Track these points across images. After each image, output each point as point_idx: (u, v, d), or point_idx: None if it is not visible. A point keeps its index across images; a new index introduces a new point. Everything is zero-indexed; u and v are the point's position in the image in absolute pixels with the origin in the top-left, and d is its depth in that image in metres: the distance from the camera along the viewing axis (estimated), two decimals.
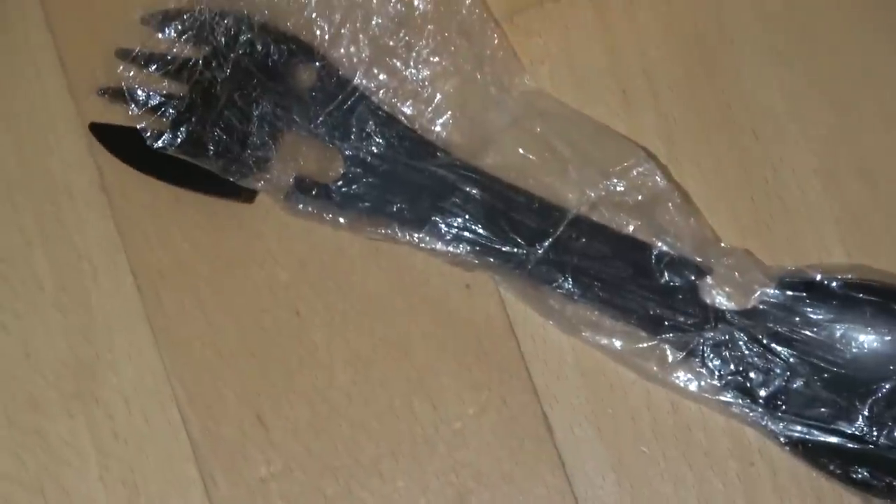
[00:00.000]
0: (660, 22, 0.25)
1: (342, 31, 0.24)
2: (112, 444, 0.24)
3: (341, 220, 0.24)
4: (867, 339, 0.24)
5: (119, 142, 0.25)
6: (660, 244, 0.24)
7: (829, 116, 0.25)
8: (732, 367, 0.24)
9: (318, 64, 0.24)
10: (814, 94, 0.25)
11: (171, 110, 0.24)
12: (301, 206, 0.24)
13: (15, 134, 0.25)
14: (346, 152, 0.24)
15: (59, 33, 0.25)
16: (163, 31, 0.25)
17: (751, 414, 0.24)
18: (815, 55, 0.25)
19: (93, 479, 0.24)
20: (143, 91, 0.24)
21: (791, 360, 0.24)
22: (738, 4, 0.25)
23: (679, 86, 0.25)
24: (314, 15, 0.24)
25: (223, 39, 0.24)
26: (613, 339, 0.24)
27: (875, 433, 0.24)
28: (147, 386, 0.24)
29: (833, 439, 0.24)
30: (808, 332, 0.24)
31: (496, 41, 0.24)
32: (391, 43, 0.24)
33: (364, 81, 0.24)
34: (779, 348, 0.24)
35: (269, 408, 0.24)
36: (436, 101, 0.24)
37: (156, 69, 0.25)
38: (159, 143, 0.24)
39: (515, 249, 0.24)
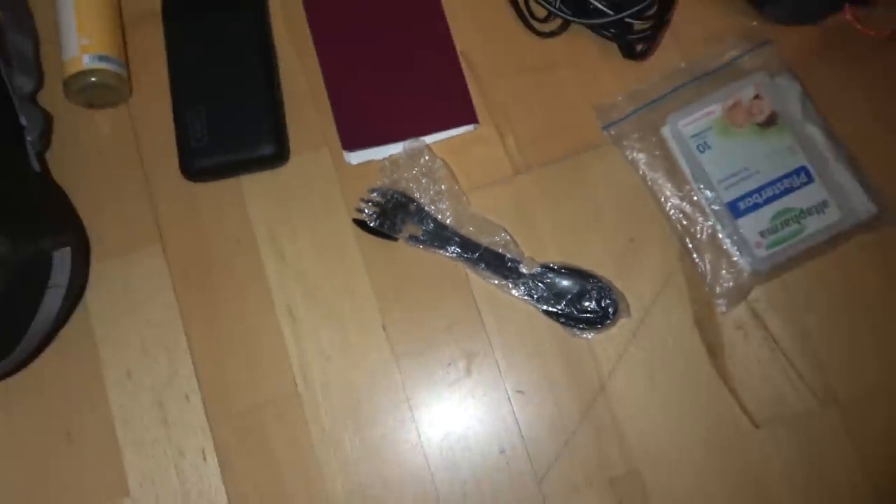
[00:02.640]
0: (507, 195, 0.83)
1: (422, 195, 0.81)
2: None
3: (421, 247, 0.79)
4: (564, 282, 0.77)
5: (361, 224, 0.79)
6: (508, 255, 0.81)
7: None
8: (528, 289, 0.78)
9: (415, 203, 0.79)
10: None
11: (375, 215, 0.81)
12: (410, 243, 0.79)
13: (319, 231, 0.83)
14: (423, 228, 0.80)
15: (345, 197, 0.84)
16: (373, 193, 0.80)
17: (533, 303, 0.75)
18: None
19: None
20: (368, 210, 0.81)
21: (543, 287, 0.78)
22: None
23: (512, 215, 0.82)
24: (415, 191, 0.81)
25: (390, 196, 0.79)
26: (495, 281, 0.77)
27: (566, 309, 0.78)
28: (365, 297, 0.84)
29: (555, 310, 0.76)
30: (548, 279, 0.77)
31: (464, 198, 0.80)
32: (436, 197, 0.82)
33: (429, 208, 0.81)
34: (540, 284, 0.78)
35: (406, 294, 0.85)
36: (448, 213, 0.80)
37: (371, 204, 0.82)
38: (372, 224, 0.81)
39: (469, 255, 0.80)
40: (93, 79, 0.75)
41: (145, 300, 0.75)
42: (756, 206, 0.75)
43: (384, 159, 0.78)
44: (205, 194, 0.78)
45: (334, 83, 0.79)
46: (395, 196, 0.78)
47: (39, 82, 0.76)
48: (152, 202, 0.76)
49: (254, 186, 0.78)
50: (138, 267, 0.75)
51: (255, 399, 0.73)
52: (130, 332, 0.74)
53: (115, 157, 0.77)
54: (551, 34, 0.80)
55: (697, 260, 0.76)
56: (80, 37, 0.73)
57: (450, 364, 0.76)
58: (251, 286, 0.76)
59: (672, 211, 0.80)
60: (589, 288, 0.76)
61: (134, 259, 0.75)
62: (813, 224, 0.74)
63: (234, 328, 0.75)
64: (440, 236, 0.77)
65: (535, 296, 0.76)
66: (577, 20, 0.78)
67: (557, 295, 0.76)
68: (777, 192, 0.75)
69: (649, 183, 0.80)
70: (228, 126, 0.75)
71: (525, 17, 0.80)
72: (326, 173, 0.79)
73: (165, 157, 0.76)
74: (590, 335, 0.75)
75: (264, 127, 0.75)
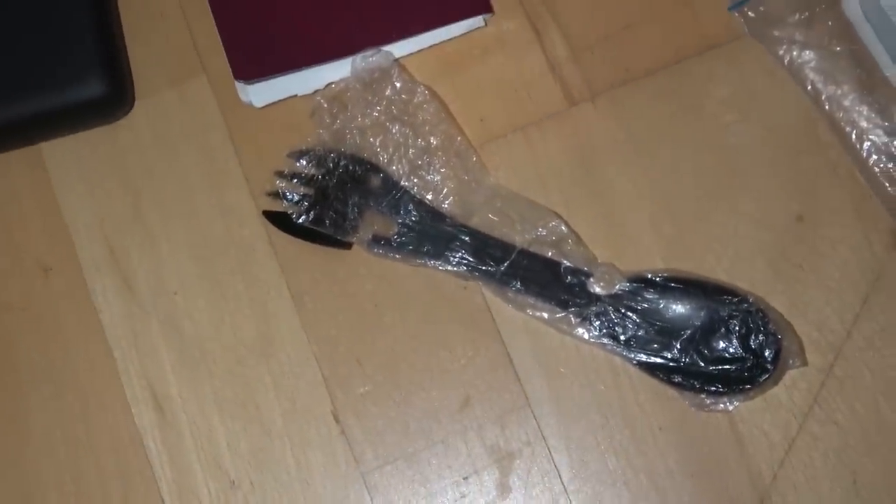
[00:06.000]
0: (558, 147, 0.45)
1: (393, 157, 0.44)
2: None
3: (397, 256, 0.44)
4: (675, 307, 0.43)
5: (278, 219, 0.45)
6: (565, 262, 0.43)
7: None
8: (606, 325, 0.43)
9: (381, 175, 0.45)
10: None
11: (304, 203, 0.44)
12: (376, 250, 0.44)
13: (232, 218, 0.46)
14: (398, 221, 0.44)
15: (245, 166, 0.47)
16: (299, 161, 0.45)
17: (616, 349, 0.43)
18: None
19: None
20: (290, 193, 0.45)
21: (637, 319, 0.43)
22: (608, 145, 0.46)
23: (568, 180, 0.45)
24: (378, 149, 0.44)
25: (331, 164, 0.44)
26: (542, 313, 0.43)
27: (682, 357, 0.42)
28: (297, 358, 0.45)
29: (660, 360, 0.42)
30: (645, 305, 0.43)
31: (474, 159, 0.45)
32: (419, 162, 0.44)
33: (406, 183, 0.44)
34: (630, 314, 0.43)
35: (364, 350, 0.45)
36: (444, 191, 0.44)
37: (296, 181, 0.45)
38: (300, 220, 0.44)
39: (490, 268, 0.44)
40: None
41: None
42: None
43: (317, 94, 0.47)
44: None
45: None
46: (343, 163, 0.46)
47: None
48: None
49: (70, 159, 0.49)
50: None
51: None
52: None
53: None
54: None
55: None
56: None
57: (467, 477, 0.45)
58: (78, 354, 0.47)
59: (872, 156, 0.45)
60: (725, 315, 0.43)
61: None
62: None
63: (50, 443, 0.46)
64: (433, 234, 0.45)
65: (622, 336, 0.44)
66: None
67: (665, 332, 0.44)
68: None
69: (825, 105, 0.46)
70: (13, 49, 0.47)
71: None
72: (206, 125, 0.48)
73: None
74: (732, 404, 0.44)
75: (83, 44, 0.46)
